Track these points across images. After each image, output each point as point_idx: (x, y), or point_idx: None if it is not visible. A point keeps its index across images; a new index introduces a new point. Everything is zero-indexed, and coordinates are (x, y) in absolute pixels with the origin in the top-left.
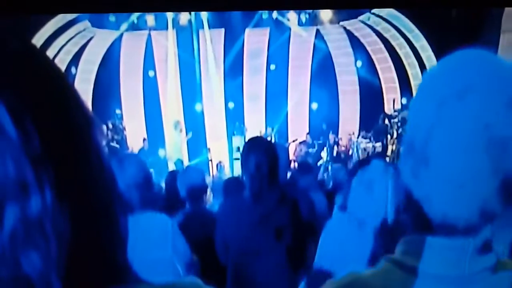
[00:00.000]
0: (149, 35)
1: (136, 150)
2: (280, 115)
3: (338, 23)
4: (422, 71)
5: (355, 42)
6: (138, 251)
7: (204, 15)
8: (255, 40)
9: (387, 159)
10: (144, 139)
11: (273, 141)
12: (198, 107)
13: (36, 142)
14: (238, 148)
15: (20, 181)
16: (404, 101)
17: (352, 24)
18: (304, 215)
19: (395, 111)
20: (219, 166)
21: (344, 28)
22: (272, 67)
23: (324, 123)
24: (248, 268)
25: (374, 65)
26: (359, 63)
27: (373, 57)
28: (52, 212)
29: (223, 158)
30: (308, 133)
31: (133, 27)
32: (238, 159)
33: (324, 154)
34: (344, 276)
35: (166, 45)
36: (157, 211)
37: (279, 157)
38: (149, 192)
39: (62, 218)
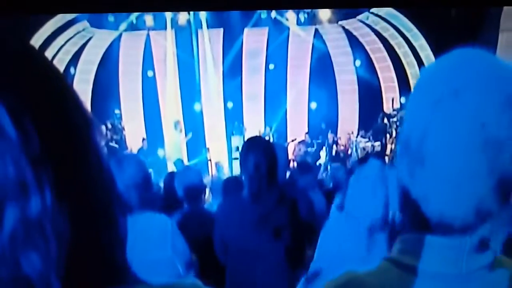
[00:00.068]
0: (148, 35)
1: (135, 150)
2: (279, 114)
3: (337, 22)
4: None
5: (354, 42)
6: (137, 251)
7: (202, 15)
8: (254, 39)
9: (386, 158)
10: (143, 139)
11: (271, 140)
12: (197, 107)
13: (35, 142)
14: (237, 148)
15: (19, 181)
16: (403, 100)
17: (351, 24)
18: (303, 215)
19: (394, 110)
20: (218, 166)
21: (343, 27)
22: (271, 66)
23: (323, 122)
24: (247, 267)
25: (373, 64)
26: (358, 63)
27: (372, 56)
28: (52, 213)
29: (222, 158)
30: (307, 133)
31: (132, 27)
32: (237, 158)
33: (323, 153)
34: (341, 275)
35: (165, 45)
36: (156, 211)
37: (278, 156)
38: (148, 192)
39: (62, 218)
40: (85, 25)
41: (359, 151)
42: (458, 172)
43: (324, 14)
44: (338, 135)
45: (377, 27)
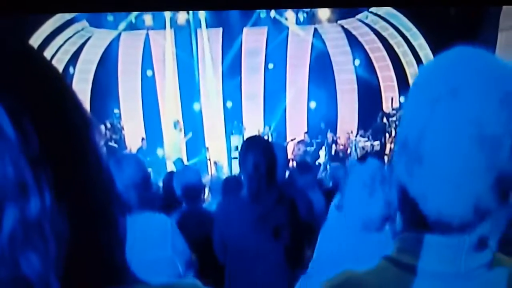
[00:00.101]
0: (147, 34)
1: (134, 150)
2: (278, 114)
3: (336, 22)
4: None
5: (353, 41)
6: (137, 251)
7: (202, 14)
8: (253, 39)
9: (386, 157)
10: (142, 139)
11: (270, 139)
12: (196, 106)
13: (34, 142)
14: (237, 147)
15: (19, 182)
16: (402, 99)
17: (350, 23)
18: (302, 214)
19: (393, 109)
20: (218, 165)
21: (342, 26)
22: (270, 66)
23: (323, 122)
24: (246, 267)
25: (372, 63)
26: (357, 62)
27: (371, 55)
28: (51, 213)
29: (221, 157)
30: (306, 132)
31: (131, 27)
32: (236, 158)
33: (322, 153)
34: (339, 273)
35: (164, 44)
36: (155, 211)
37: (277, 156)
38: (148, 192)
39: (61, 218)
40: (84, 24)
41: (358, 150)
42: (456, 170)
43: (323, 13)
44: (338, 135)
45: (376, 27)
